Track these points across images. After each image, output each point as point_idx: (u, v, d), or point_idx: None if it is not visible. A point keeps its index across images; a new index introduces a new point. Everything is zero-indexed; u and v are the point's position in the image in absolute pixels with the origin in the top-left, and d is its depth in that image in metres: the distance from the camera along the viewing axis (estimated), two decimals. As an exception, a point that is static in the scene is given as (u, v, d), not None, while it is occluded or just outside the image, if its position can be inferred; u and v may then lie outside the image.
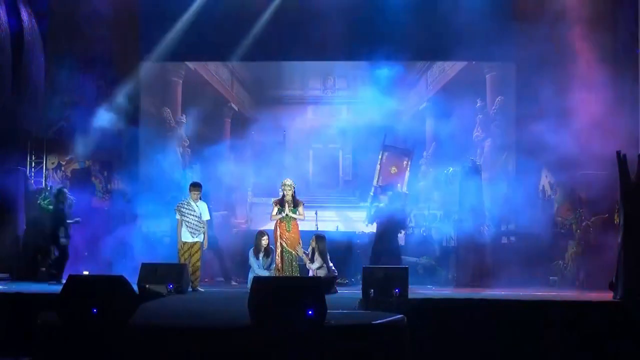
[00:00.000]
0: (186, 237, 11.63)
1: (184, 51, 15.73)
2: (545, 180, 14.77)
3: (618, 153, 10.35)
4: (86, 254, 13.22)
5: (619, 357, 9.24)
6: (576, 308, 9.72)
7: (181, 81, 16.77)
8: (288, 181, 11.76)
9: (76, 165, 15.23)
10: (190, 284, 11.42)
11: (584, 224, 13.02)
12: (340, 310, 8.36)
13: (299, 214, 11.63)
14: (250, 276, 11.48)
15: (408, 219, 13.52)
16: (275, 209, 11.62)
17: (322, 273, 11.51)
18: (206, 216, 11.82)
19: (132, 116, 15.41)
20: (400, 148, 14.78)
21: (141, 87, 15.67)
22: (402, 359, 7.54)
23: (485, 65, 16.10)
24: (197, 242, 11.68)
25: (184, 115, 16.69)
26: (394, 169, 14.87)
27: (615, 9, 14.61)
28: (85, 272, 12.03)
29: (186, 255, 11.60)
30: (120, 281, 7.72)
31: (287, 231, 11.53)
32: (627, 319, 9.43)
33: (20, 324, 9.12)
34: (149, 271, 10.81)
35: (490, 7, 14.63)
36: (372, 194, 14.54)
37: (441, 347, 9.32)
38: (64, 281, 9.67)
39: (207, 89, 17.06)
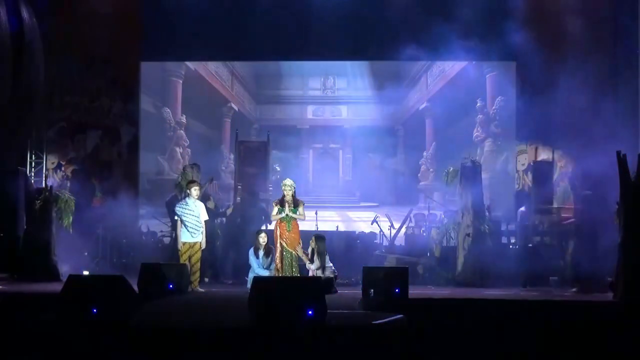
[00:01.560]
0: (186, 237, 11.61)
1: (184, 51, 15.73)
2: (545, 180, 14.77)
3: (618, 153, 10.35)
4: (86, 254, 13.20)
5: (619, 358, 9.24)
6: (576, 308, 9.71)
7: (181, 81, 16.79)
8: (288, 181, 11.74)
9: (76, 166, 15.23)
10: (190, 284, 11.42)
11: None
12: (340, 310, 8.36)
13: (299, 214, 11.61)
14: (250, 276, 11.46)
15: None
16: (276, 209, 11.61)
17: (321, 273, 11.50)
18: (204, 216, 11.80)
19: (132, 116, 15.41)
20: (546, 161, 14.28)
21: (141, 87, 15.66)
22: (402, 359, 7.54)
23: (485, 65, 16.11)
24: (197, 242, 11.67)
25: (184, 115, 16.70)
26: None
27: (614, 8, 14.62)
28: (85, 272, 12.02)
29: (186, 256, 11.58)
30: (120, 281, 7.72)
31: (287, 231, 11.51)
32: (627, 319, 9.42)
33: (20, 324, 9.11)
34: (149, 271, 10.79)
35: (490, 6, 14.65)
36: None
37: (441, 347, 9.31)
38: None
39: (207, 89, 17.08)
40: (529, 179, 14.90)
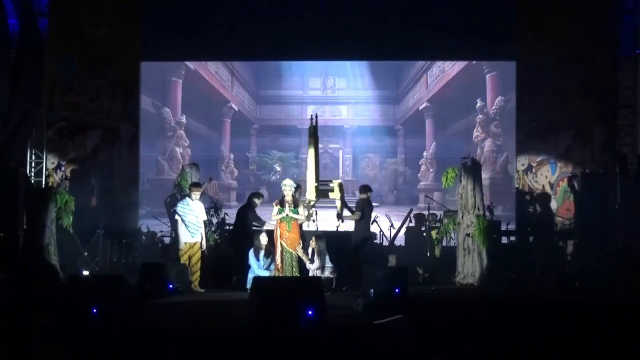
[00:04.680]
0: (187, 237, 11.63)
1: (184, 51, 15.71)
2: (545, 180, 14.78)
3: (618, 152, 10.37)
4: (86, 254, 13.20)
5: (618, 357, 9.24)
6: (576, 308, 9.71)
7: (181, 81, 16.78)
8: (288, 182, 11.74)
9: (76, 165, 15.23)
10: (190, 284, 11.42)
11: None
12: (340, 310, 8.37)
13: (300, 214, 11.62)
14: (250, 276, 11.45)
15: None
16: (276, 209, 11.61)
17: (321, 273, 11.50)
18: (203, 216, 11.85)
19: (132, 116, 15.38)
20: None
21: (141, 87, 15.64)
22: (402, 359, 7.54)
23: (486, 65, 16.10)
24: (197, 242, 11.69)
25: (184, 115, 16.69)
26: None
27: (615, 9, 14.64)
28: (85, 272, 12.02)
29: (186, 256, 11.59)
30: (120, 281, 7.73)
31: (288, 231, 11.51)
32: (627, 319, 9.42)
33: (19, 324, 9.12)
34: (149, 271, 10.80)
35: (491, 6, 14.65)
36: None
37: (441, 347, 9.31)
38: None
39: (207, 89, 17.09)
40: (528, 179, 14.90)
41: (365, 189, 12.66)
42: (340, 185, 12.12)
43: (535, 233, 13.70)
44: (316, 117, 11.76)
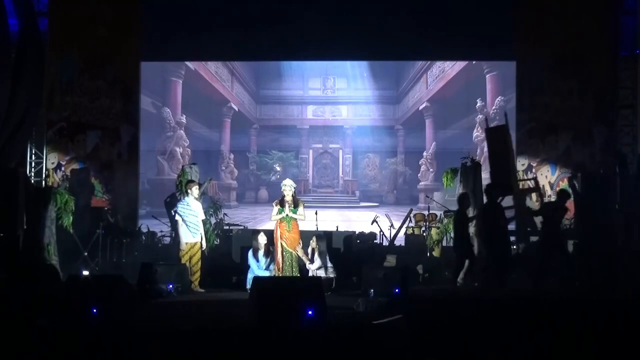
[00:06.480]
0: (187, 237, 11.63)
1: (184, 51, 15.71)
2: (545, 180, 14.78)
3: (618, 152, 10.38)
4: (86, 254, 13.20)
5: (619, 357, 9.24)
6: (577, 308, 9.71)
7: (181, 81, 16.78)
8: (288, 182, 11.74)
9: (76, 165, 15.24)
10: (190, 284, 11.42)
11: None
12: (340, 310, 8.36)
13: (299, 214, 11.61)
14: (250, 276, 11.45)
15: None
16: (276, 209, 11.60)
17: (322, 273, 11.50)
18: (202, 216, 11.86)
19: (132, 116, 15.39)
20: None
21: (141, 87, 15.65)
22: (402, 359, 7.54)
23: (486, 65, 16.11)
24: (197, 242, 11.70)
25: (184, 115, 16.70)
26: None
27: (615, 9, 14.64)
28: (85, 272, 12.02)
29: (187, 256, 11.59)
30: (120, 281, 7.73)
31: (288, 231, 11.50)
32: (627, 319, 9.42)
33: (19, 324, 9.11)
34: (149, 271, 10.80)
35: (491, 6, 14.66)
36: None
37: (441, 347, 9.31)
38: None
39: (207, 89, 17.09)
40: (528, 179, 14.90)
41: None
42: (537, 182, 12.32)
43: (536, 233, 13.70)
44: (505, 115, 12.04)
